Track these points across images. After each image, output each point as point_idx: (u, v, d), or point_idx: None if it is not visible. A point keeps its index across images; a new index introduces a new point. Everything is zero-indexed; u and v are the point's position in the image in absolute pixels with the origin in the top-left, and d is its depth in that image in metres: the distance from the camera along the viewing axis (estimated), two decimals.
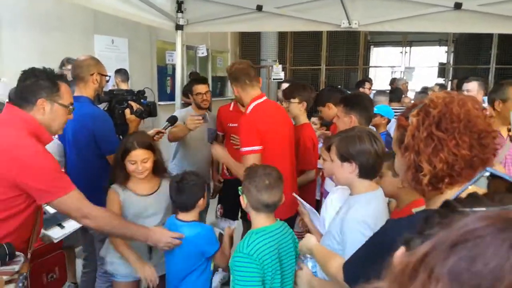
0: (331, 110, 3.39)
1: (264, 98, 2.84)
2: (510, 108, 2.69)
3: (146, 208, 2.45)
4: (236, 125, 3.20)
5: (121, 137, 2.90)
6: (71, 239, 2.87)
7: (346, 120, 2.53)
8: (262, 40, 9.70)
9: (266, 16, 3.74)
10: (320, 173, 3.47)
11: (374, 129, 2.69)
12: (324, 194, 2.74)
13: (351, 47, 10.48)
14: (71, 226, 2.45)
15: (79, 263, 3.35)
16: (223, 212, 3.78)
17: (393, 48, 14.52)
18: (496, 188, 0.74)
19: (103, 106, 2.94)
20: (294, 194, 2.40)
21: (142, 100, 3.02)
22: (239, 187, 1.98)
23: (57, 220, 2.44)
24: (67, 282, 3.18)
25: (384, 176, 2.01)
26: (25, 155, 1.83)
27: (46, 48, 4.89)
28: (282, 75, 8.61)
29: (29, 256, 1.93)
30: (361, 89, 5.88)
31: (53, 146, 2.56)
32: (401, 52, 10.87)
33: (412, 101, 6.48)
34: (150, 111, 3.04)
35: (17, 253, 1.75)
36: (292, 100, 3.25)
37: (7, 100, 2.51)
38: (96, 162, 2.72)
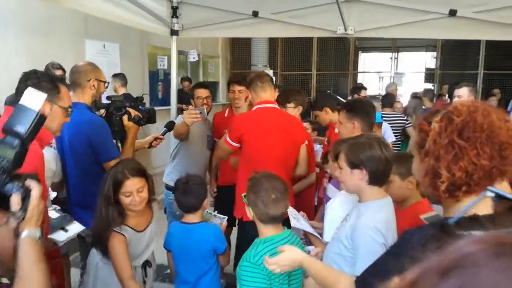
0: (328, 115, 3.55)
1: (270, 105, 2.92)
2: None
3: (145, 243, 2.29)
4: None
5: (119, 144, 2.87)
6: (65, 246, 2.81)
7: (349, 126, 2.52)
8: (253, 45, 9.71)
9: (262, 22, 3.74)
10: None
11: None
12: (325, 199, 2.73)
13: (341, 53, 10.56)
14: (74, 229, 2.38)
15: (73, 271, 3.28)
16: None
17: (381, 54, 14.68)
18: (499, 209, 0.71)
19: (101, 112, 2.90)
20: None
21: (140, 107, 2.99)
22: (243, 195, 1.97)
23: (61, 224, 2.37)
24: None
25: (392, 182, 2.01)
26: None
27: (36, 53, 4.81)
28: (273, 80, 8.62)
29: None
30: (355, 96, 5.92)
31: (48, 154, 2.51)
32: (391, 58, 10.96)
33: (404, 106, 6.55)
34: (149, 117, 3.00)
35: None
36: (288, 105, 3.33)
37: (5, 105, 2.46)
38: (94, 169, 2.67)
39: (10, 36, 4.60)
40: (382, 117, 4.53)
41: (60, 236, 2.28)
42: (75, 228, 2.40)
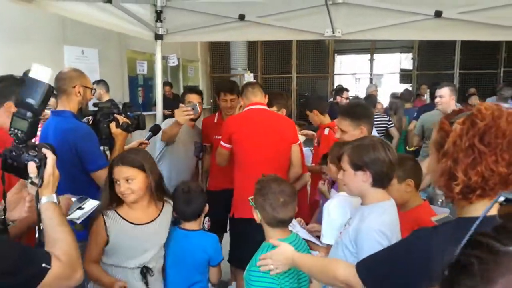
0: (317, 117, 3.72)
1: (259, 106, 2.99)
2: None
3: (143, 241, 2.18)
4: (220, 137, 3.19)
5: (107, 152, 2.78)
6: (84, 222, 2.71)
7: (356, 133, 2.43)
8: (232, 49, 9.69)
9: (249, 25, 3.70)
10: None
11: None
12: (322, 201, 2.72)
13: (319, 55, 10.65)
14: (89, 205, 2.30)
15: None
16: (210, 225, 3.70)
17: (357, 56, 14.87)
18: (501, 211, 0.67)
19: (88, 120, 2.80)
20: None
21: (128, 113, 2.91)
22: (250, 198, 1.94)
23: (77, 205, 2.29)
24: None
25: (390, 185, 2.00)
26: None
27: (13, 60, 4.65)
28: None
29: None
30: (338, 98, 5.96)
31: None
32: (369, 60, 11.11)
33: (385, 107, 6.63)
34: (138, 124, 2.92)
35: None
36: (270, 109, 3.34)
37: None
38: (83, 179, 2.57)
39: None
40: None
41: (76, 214, 2.22)
42: (90, 204, 2.34)
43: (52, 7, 2.85)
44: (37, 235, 1.37)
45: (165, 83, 7.78)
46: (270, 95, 3.54)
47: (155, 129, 3.22)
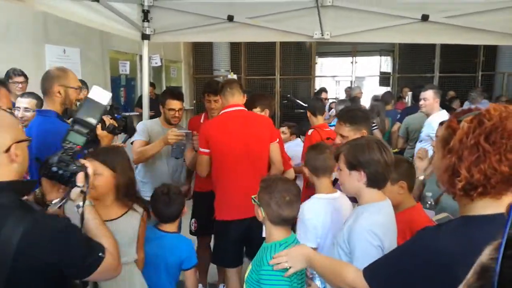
0: (310, 118, 3.85)
1: (237, 108, 2.98)
2: None
3: None
4: None
5: None
6: None
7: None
8: (215, 50, 9.64)
9: (238, 26, 3.69)
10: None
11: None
12: None
13: (301, 58, 10.70)
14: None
15: None
16: (197, 227, 3.67)
17: (338, 59, 15.01)
18: None
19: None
20: None
21: (116, 115, 2.85)
22: (253, 196, 1.94)
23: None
24: None
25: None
26: None
27: None
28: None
29: None
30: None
31: None
32: (351, 62, 11.22)
33: (367, 108, 6.69)
34: (125, 125, 2.86)
35: None
36: (254, 110, 3.36)
37: None
38: None
39: None
40: None
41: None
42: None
43: (38, 5, 2.78)
44: None
45: (151, 84, 7.70)
46: (253, 96, 3.58)
47: (131, 131, 3.12)
